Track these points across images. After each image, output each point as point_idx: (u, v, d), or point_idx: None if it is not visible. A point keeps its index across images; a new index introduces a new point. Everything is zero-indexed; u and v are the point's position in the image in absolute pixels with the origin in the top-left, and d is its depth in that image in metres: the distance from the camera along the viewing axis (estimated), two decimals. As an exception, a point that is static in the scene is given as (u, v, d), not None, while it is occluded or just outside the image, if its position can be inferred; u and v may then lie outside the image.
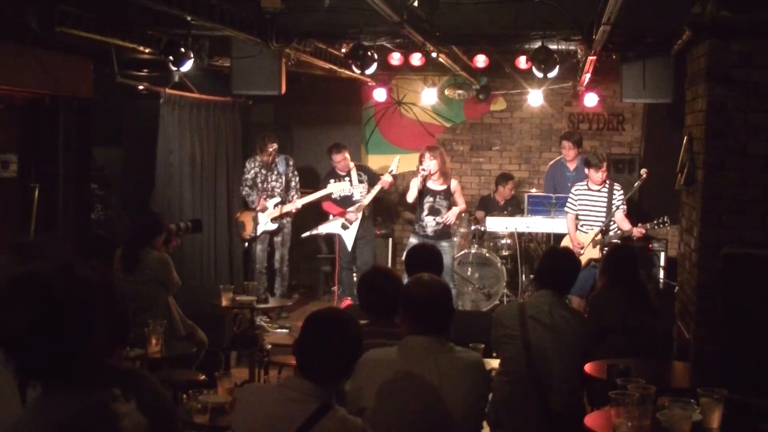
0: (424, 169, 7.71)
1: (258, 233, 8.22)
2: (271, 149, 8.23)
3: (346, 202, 8.54)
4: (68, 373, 1.87)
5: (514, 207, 9.15)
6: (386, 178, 8.33)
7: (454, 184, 7.95)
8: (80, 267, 1.94)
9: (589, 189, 7.45)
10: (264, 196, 8.25)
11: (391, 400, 3.17)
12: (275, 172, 8.39)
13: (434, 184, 7.85)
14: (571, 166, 8.50)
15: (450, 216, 7.82)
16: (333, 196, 8.49)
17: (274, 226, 8.35)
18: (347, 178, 8.53)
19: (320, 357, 2.68)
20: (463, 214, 8.71)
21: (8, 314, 1.83)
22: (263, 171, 8.36)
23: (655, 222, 7.02)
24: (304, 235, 8.74)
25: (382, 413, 3.16)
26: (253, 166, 8.41)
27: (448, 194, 7.86)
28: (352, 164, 8.60)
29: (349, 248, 8.46)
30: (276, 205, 8.30)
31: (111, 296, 2.05)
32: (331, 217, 8.53)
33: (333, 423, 2.61)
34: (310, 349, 2.71)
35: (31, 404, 1.93)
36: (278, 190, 8.39)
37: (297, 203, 8.38)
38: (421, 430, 3.17)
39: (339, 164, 8.53)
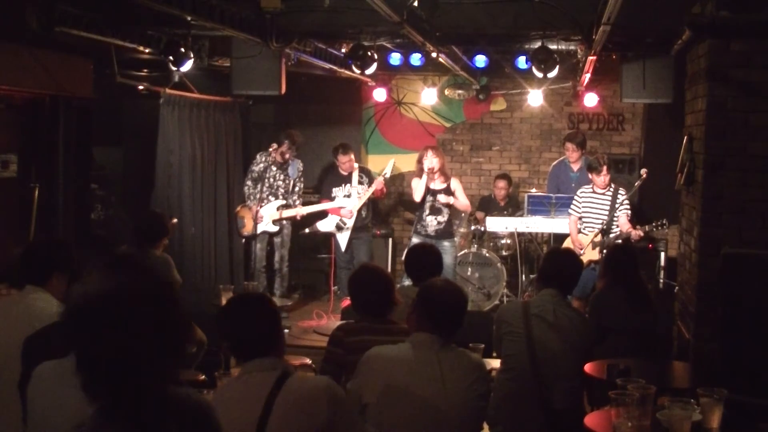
0: (430, 168, 7.74)
1: (258, 232, 8.21)
2: (282, 147, 8.17)
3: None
4: (136, 397, 1.73)
5: (513, 207, 9.15)
6: (378, 179, 8.36)
7: (454, 183, 7.97)
8: (171, 285, 1.84)
9: (594, 192, 7.47)
10: (262, 204, 8.18)
11: (393, 396, 3.18)
12: (285, 173, 8.37)
13: (435, 184, 7.87)
14: (575, 166, 8.48)
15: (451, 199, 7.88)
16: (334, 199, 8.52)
17: (275, 228, 8.33)
18: (347, 185, 8.53)
19: (251, 335, 2.81)
20: (463, 214, 8.72)
21: (93, 330, 1.69)
22: (273, 168, 8.31)
23: (654, 224, 7.01)
24: (302, 232, 8.75)
25: (384, 409, 3.17)
26: (263, 159, 8.32)
27: (448, 193, 7.88)
28: (356, 165, 8.62)
29: (343, 249, 8.49)
30: (279, 208, 8.29)
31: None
32: (328, 215, 8.54)
33: (297, 382, 2.73)
34: (239, 333, 2.84)
35: (86, 425, 1.77)
36: (282, 191, 8.36)
37: (302, 210, 8.35)
38: (423, 426, 3.18)
39: (344, 165, 8.53)
